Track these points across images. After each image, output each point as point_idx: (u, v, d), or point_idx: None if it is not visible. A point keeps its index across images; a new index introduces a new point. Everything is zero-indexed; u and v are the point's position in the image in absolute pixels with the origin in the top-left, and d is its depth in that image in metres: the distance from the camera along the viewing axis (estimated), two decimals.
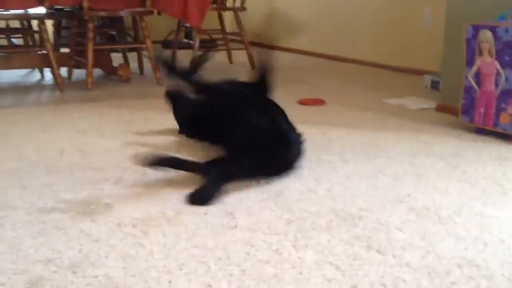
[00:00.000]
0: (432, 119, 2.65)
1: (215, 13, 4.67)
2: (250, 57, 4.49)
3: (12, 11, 3.39)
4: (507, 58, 2.19)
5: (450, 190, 1.70)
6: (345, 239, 1.36)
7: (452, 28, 2.65)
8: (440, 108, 2.80)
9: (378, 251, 1.30)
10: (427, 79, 3.49)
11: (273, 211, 1.54)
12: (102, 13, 3.51)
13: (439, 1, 3.46)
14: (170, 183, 1.77)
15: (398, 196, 1.65)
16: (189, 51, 4.47)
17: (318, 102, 3.03)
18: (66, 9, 3.85)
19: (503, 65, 2.21)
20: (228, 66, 4.71)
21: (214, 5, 4.51)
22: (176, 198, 1.64)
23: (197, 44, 4.29)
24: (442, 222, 1.46)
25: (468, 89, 2.37)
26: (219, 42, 5.37)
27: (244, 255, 1.28)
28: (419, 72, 3.93)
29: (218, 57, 5.00)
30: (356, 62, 4.73)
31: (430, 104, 2.95)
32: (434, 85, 3.40)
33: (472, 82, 2.34)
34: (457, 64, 2.49)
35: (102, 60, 3.90)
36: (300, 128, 2.46)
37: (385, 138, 2.31)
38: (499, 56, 2.22)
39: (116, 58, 4.17)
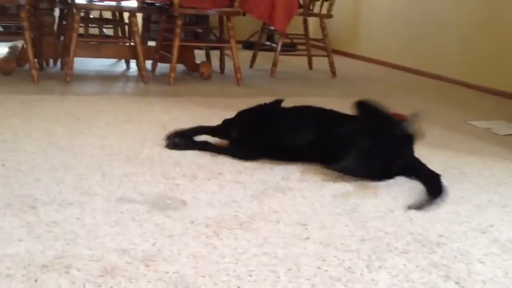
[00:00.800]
0: None
1: (300, 18, 4.65)
2: (331, 65, 4.44)
3: (106, 2, 3.52)
4: None
5: None
6: (422, 266, 1.30)
7: None
8: None
9: (457, 283, 1.24)
10: None
11: (348, 227, 1.50)
12: (192, 11, 3.57)
13: None
14: (245, 186, 1.76)
15: (481, 226, 1.57)
16: (270, 54, 4.48)
17: (401, 117, 2.93)
18: (157, 4, 3.95)
19: None
20: (307, 72, 4.69)
21: (301, 10, 4.49)
22: (248, 201, 1.63)
23: (279, 47, 4.29)
24: None
25: None
26: (301, 47, 5.35)
27: (315, 270, 1.26)
28: (509, 95, 3.75)
29: (299, 62, 4.98)
30: (440, 78, 4.57)
31: None
32: None
33: None
34: None
35: (185, 56, 3.98)
36: None
37: (469, 163, 2.20)
38: None
39: (199, 56, 4.24)
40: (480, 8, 4.17)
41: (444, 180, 1.94)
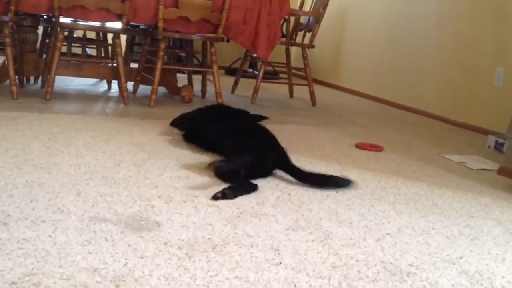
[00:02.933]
0: (492, 182, 2.57)
1: (283, 47, 4.73)
2: (312, 94, 4.51)
3: (91, 23, 3.54)
4: None
5: (506, 258, 1.63)
6: None
7: None
8: (502, 171, 2.70)
9: None
10: (491, 139, 3.39)
11: (320, 253, 1.52)
12: (175, 35, 3.61)
13: None
14: (220, 210, 1.77)
15: (451, 257, 1.59)
16: (252, 80, 4.53)
17: (376, 147, 2.99)
18: (141, 26, 3.99)
19: None
20: (288, 100, 4.74)
21: (283, 40, 4.57)
22: (223, 225, 1.64)
23: (261, 74, 4.34)
24: None
25: None
26: (282, 76, 5.42)
27: None
28: (483, 131, 3.83)
29: (280, 90, 5.04)
30: (418, 112, 4.66)
31: (492, 165, 2.86)
32: (498, 147, 3.30)
33: None
34: None
35: (167, 79, 4.00)
36: (354, 172, 2.44)
37: (441, 195, 2.24)
38: None
39: (181, 79, 4.27)
40: (459, 47, 4.29)
41: (417, 211, 1.97)
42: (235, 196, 1.91)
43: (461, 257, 1.60)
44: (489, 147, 3.38)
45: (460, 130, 4.06)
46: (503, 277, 1.49)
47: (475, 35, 4.11)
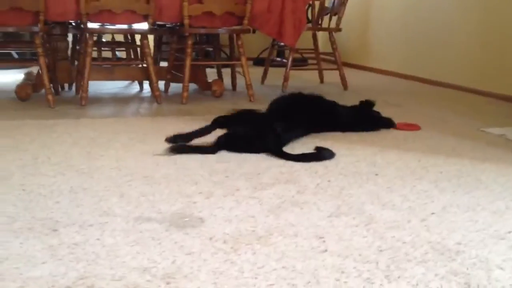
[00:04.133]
0: None
1: (309, 33, 4.70)
2: (342, 78, 4.47)
3: (118, 26, 3.59)
4: None
5: None
6: (441, 274, 1.30)
7: None
8: None
9: None
10: None
11: (365, 238, 1.51)
12: (202, 31, 3.63)
13: None
14: (261, 201, 1.78)
15: (499, 232, 1.57)
16: (281, 69, 4.52)
17: (413, 127, 2.95)
18: (167, 25, 4.02)
19: None
20: (318, 85, 4.71)
21: (309, 25, 4.53)
22: (265, 216, 1.64)
23: (289, 62, 4.33)
24: None
25: None
26: (311, 62, 5.38)
27: (334, 282, 1.26)
28: None
29: (310, 76, 5.02)
30: (450, 86, 4.57)
31: None
32: None
33: None
34: None
35: (197, 75, 4.03)
36: (394, 153, 2.42)
37: (484, 170, 2.20)
38: None
39: (211, 74, 4.29)
40: (485, 15, 4.18)
41: (460, 188, 1.94)
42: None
43: (509, 232, 1.57)
44: None
45: (497, 101, 3.96)
46: None
47: (502, 2, 3.99)
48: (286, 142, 2.51)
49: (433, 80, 4.85)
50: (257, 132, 2.44)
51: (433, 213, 1.71)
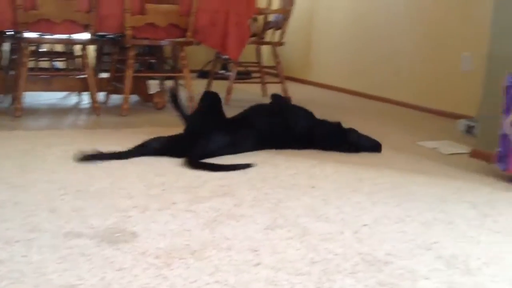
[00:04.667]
0: (465, 165, 2.61)
1: (253, 47, 4.74)
2: (285, 91, 4.52)
3: (57, 36, 3.51)
4: None
5: (480, 240, 1.66)
6: (370, 285, 1.33)
7: (492, 74, 2.63)
8: (475, 154, 2.75)
9: None
10: (462, 123, 3.44)
11: (298, 250, 1.53)
12: (144, 42, 3.59)
13: (480, 46, 3.43)
14: (197, 215, 1.77)
15: (427, 243, 1.62)
16: (225, 82, 4.53)
17: None
18: (109, 35, 3.96)
19: None
20: (261, 99, 4.74)
21: (253, 39, 4.57)
22: (200, 230, 1.64)
23: (233, 75, 4.34)
24: (471, 273, 1.42)
25: (505, 137, 2.32)
26: (255, 75, 5.43)
27: None
28: (454, 116, 3.88)
29: (253, 90, 5.05)
30: (390, 101, 4.70)
31: (464, 149, 2.91)
32: (469, 130, 3.35)
33: (509, 130, 2.30)
34: (495, 110, 2.45)
35: (139, 87, 3.98)
36: (332, 166, 2.46)
37: (416, 182, 2.27)
38: None
39: (154, 86, 4.25)
40: (426, 34, 4.34)
41: (392, 200, 2.00)
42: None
43: (436, 242, 1.62)
44: (460, 131, 3.43)
45: (432, 116, 4.11)
46: (479, 258, 1.52)
47: (441, 22, 4.16)
48: (210, 153, 2.50)
49: (372, 95, 4.97)
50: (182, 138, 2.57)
51: (365, 225, 1.75)
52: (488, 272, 1.43)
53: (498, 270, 1.44)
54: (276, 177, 2.26)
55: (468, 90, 3.83)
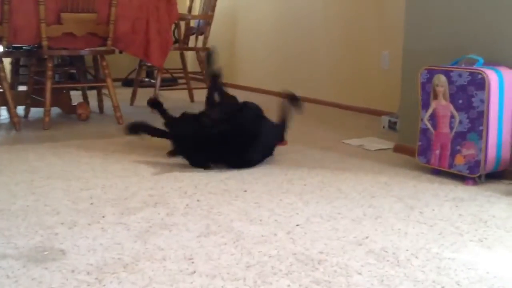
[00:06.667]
0: (390, 160, 2.70)
1: (177, 53, 4.70)
2: None
3: None
4: (460, 101, 2.27)
5: (408, 232, 1.72)
6: (305, 284, 1.35)
7: (409, 71, 2.74)
8: (398, 149, 2.85)
9: None
10: (385, 119, 3.56)
11: (233, 255, 1.52)
12: (63, 52, 3.48)
13: (397, 45, 3.57)
14: (128, 227, 1.73)
15: (358, 238, 1.66)
16: (151, 90, 4.46)
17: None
18: (24, 47, 3.80)
19: (457, 108, 2.28)
20: (189, 105, 4.71)
21: (176, 45, 4.54)
22: (132, 242, 1.60)
23: (158, 83, 4.29)
24: (400, 265, 1.47)
25: (424, 131, 2.43)
26: (181, 81, 5.39)
27: None
28: (377, 113, 4.02)
29: (180, 96, 5.00)
30: (315, 101, 4.80)
31: (388, 144, 3.01)
32: (392, 126, 3.48)
33: (428, 125, 2.41)
34: (414, 106, 2.56)
35: (60, 99, 3.85)
36: (261, 168, 2.47)
37: (344, 180, 2.33)
38: (453, 100, 2.29)
39: (76, 97, 4.12)
40: (345, 33, 4.47)
41: (323, 199, 2.04)
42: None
43: (367, 237, 1.67)
44: (383, 127, 3.56)
45: (355, 114, 4.23)
46: (407, 250, 1.57)
47: (360, 21, 4.30)
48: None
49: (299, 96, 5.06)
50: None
51: (297, 225, 1.77)
52: (417, 263, 1.48)
53: (425, 261, 1.50)
54: (207, 183, 2.24)
55: (388, 87, 3.98)
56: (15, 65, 4.31)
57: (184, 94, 4.94)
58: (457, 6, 2.49)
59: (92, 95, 4.32)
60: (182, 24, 4.72)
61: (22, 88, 4.13)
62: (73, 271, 1.40)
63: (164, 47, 3.82)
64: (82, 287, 1.31)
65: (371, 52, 4.20)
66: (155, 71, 4.84)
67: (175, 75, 5.79)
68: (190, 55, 6.02)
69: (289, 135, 3.24)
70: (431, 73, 2.37)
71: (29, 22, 3.28)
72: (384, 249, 1.58)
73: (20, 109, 3.70)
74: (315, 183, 2.26)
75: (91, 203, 1.96)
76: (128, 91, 4.93)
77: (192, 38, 4.77)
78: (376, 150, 2.93)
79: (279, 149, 2.91)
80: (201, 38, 4.64)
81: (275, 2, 5.35)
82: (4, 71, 3.29)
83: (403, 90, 2.82)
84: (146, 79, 5.41)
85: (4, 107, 3.59)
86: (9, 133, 3.32)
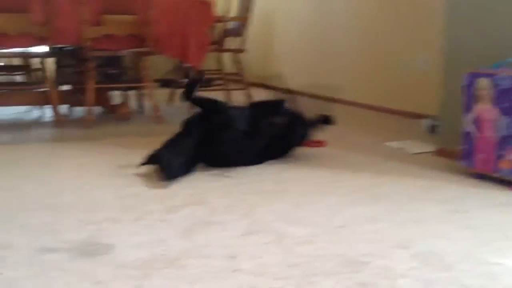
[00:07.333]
0: (431, 163, 2.66)
1: (214, 55, 4.74)
2: (249, 97, 4.53)
3: (14, 49, 3.43)
4: (505, 104, 2.22)
5: (452, 236, 1.70)
6: (350, 285, 1.35)
7: (450, 73, 2.70)
8: (440, 153, 2.81)
9: None
10: (426, 122, 3.51)
11: (276, 255, 1.53)
12: (103, 53, 3.55)
13: (435, 46, 3.53)
14: (172, 224, 1.75)
15: (401, 241, 1.65)
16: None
17: (320, 143, 3.02)
18: (68, 47, 3.89)
19: (501, 112, 2.24)
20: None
21: (213, 47, 4.57)
22: (176, 239, 1.62)
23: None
24: (446, 269, 1.45)
25: (468, 135, 2.39)
26: (218, 82, 5.42)
27: None
28: (415, 116, 3.97)
29: (217, 96, 5.04)
30: (354, 104, 4.77)
31: (429, 148, 2.97)
32: (433, 129, 3.42)
33: (471, 128, 2.37)
34: (456, 109, 2.52)
35: (102, 99, 3.92)
36: (305, 169, 2.47)
37: (386, 183, 2.31)
38: (497, 103, 2.25)
39: (117, 97, 4.19)
40: (384, 33, 4.43)
41: (365, 202, 2.03)
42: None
43: (410, 240, 1.65)
44: (424, 130, 3.51)
45: (393, 116, 4.18)
46: (452, 254, 1.55)
47: (397, 23, 4.25)
48: None
49: (335, 98, 5.04)
50: None
51: (340, 227, 1.76)
52: (464, 268, 1.46)
53: (473, 266, 1.48)
54: (245, 183, 2.25)
55: (426, 89, 3.92)
56: (58, 65, 4.41)
57: (220, 95, 4.97)
58: (498, 10, 2.45)
59: (132, 95, 4.39)
60: (219, 25, 4.75)
61: (66, 87, 4.22)
62: (121, 265, 1.43)
63: (201, 48, 3.86)
64: (131, 282, 1.34)
65: (407, 53, 4.15)
66: (192, 72, 4.88)
67: (212, 76, 5.83)
68: (227, 57, 6.05)
69: (328, 137, 3.23)
70: (473, 76, 2.33)
71: (72, 24, 3.36)
72: (429, 252, 1.56)
73: (64, 108, 3.78)
74: (357, 185, 2.25)
75: (136, 200, 1.99)
76: (166, 91, 4.99)
77: (229, 39, 4.80)
78: (416, 153, 2.89)
79: (319, 151, 2.91)
80: (238, 39, 4.66)
81: (314, 2, 5.34)
82: (48, 71, 3.37)
83: (444, 93, 2.78)
84: (183, 80, 5.46)
85: (48, 106, 3.68)
86: (53, 131, 3.41)
